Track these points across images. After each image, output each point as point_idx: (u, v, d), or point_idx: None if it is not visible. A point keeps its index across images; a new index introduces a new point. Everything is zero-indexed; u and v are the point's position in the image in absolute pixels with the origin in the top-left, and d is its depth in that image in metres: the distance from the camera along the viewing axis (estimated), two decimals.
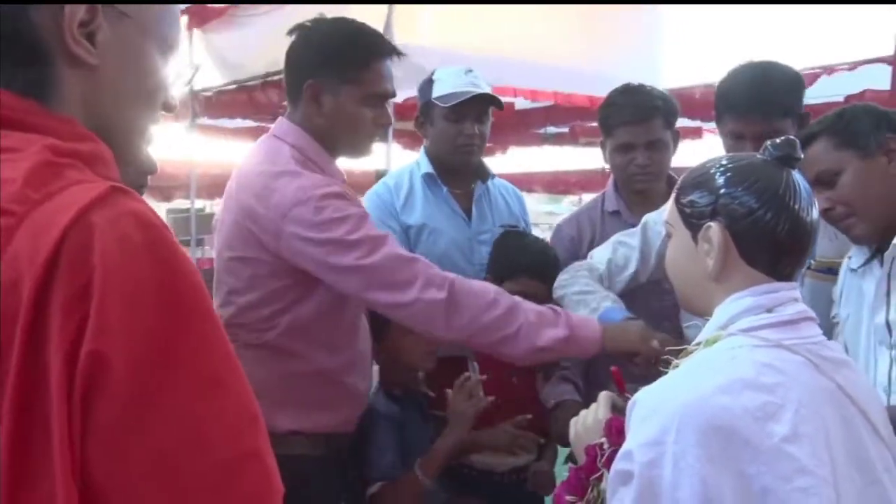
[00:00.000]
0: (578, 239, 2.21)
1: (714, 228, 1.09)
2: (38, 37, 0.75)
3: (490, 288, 1.69)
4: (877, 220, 1.53)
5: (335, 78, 1.74)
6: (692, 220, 1.13)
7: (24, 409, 0.63)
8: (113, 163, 0.79)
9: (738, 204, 1.08)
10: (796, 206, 1.07)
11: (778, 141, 1.10)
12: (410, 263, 1.64)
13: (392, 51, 1.80)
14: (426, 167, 2.29)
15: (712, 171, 1.13)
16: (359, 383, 1.86)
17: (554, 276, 2.04)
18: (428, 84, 2.27)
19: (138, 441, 0.64)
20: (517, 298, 1.69)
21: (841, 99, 4.66)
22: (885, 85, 4.10)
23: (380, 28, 3.89)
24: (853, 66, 4.50)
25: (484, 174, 2.35)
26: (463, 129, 2.21)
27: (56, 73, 0.76)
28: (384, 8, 4.01)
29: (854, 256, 1.66)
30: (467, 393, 1.93)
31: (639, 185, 2.13)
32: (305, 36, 1.79)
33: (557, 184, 9.13)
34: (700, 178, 1.14)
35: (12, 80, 0.74)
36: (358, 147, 1.83)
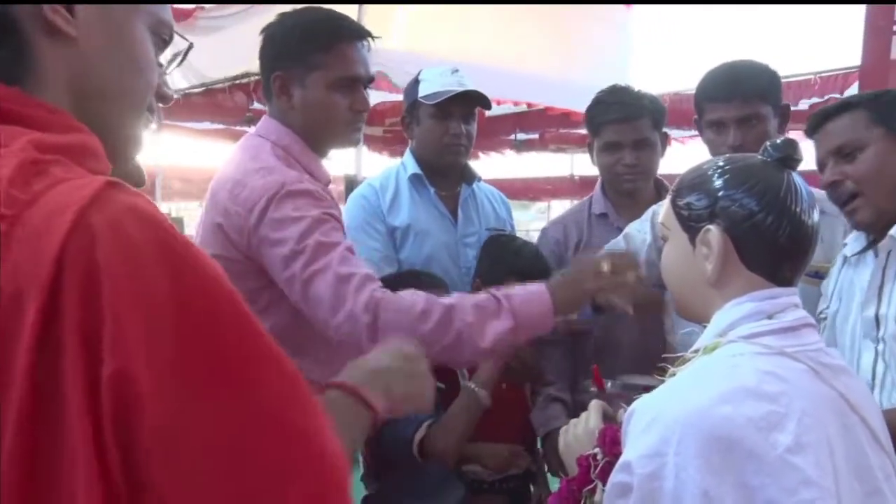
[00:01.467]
0: (564, 242, 2.20)
1: (713, 232, 1.06)
2: (11, 11, 0.69)
3: (419, 299, 1.54)
4: (884, 203, 1.52)
5: (300, 67, 1.68)
6: (690, 223, 1.10)
7: (30, 436, 0.57)
8: (104, 156, 0.72)
9: (737, 206, 1.05)
10: (797, 209, 1.05)
11: (778, 142, 1.08)
12: (345, 281, 1.52)
13: (359, 33, 1.73)
14: (413, 168, 2.25)
15: (710, 172, 1.10)
16: None
17: (544, 278, 2.02)
18: (414, 84, 2.25)
19: (187, 451, 0.59)
20: (453, 300, 1.55)
21: (805, 107, 4.75)
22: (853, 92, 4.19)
23: None
24: (822, 79, 4.58)
25: (470, 177, 2.33)
26: (449, 128, 2.18)
27: (33, 49, 0.70)
28: (354, 13, 3.97)
29: (850, 244, 1.65)
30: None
31: (626, 184, 2.12)
32: (270, 31, 1.74)
33: (527, 191, 9.13)
34: (697, 180, 1.11)
35: None
36: (338, 136, 1.75)
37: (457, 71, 2.22)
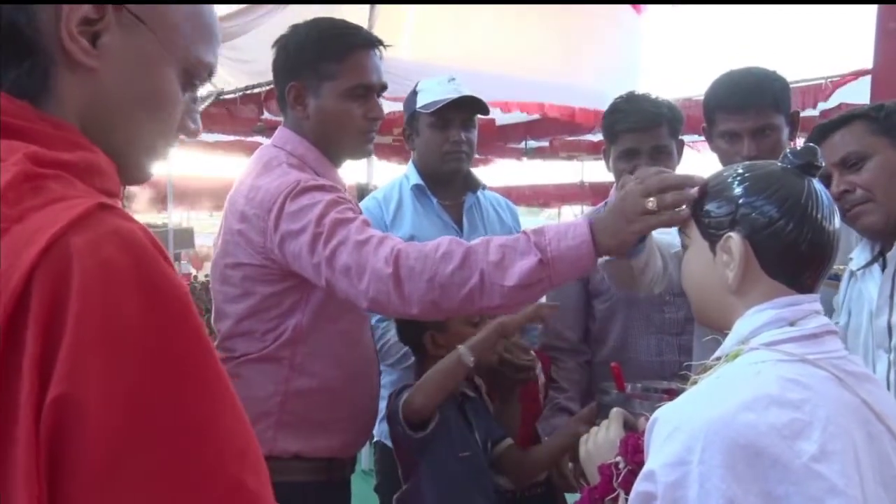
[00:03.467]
0: None
1: (734, 239, 1.06)
2: (34, 30, 0.69)
3: (442, 242, 1.47)
4: (893, 211, 1.52)
5: (314, 77, 1.71)
6: (710, 231, 1.10)
7: None
8: (113, 175, 0.72)
9: (758, 213, 1.05)
10: (819, 216, 1.04)
11: (798, 149, 1.07)
12: (364, 244, 1.49)
13: (371, 42, 1.75)
14: (415, 179, 2.26)
15: (730, 179, 1.09)
16: (364, 399, 1.80)
17: None
18: (412, 96, 2.25)
19: (125, 490, 0.56)
20: (479, 241, 1.47)
21: (816, 113, 4.72)
22: (864, 99, 4.16)
23: None
24: (834, 83, 4.56)
25: (474, 185, 2.32)
26: (449, 136, 2.18)
27: (50, 72, 0.70)
28: (364, 22, 3.99)
29: (856, 258, 1.64)
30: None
31: None
32: (283, 42, 1.77)
33: (536, 197, 9.13)
34: (717, 187, 1.10)
35: (3, 76, 0.68)
36: (352, 145, 1.77)
37: (453, 79, 2.22)
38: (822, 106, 4.71)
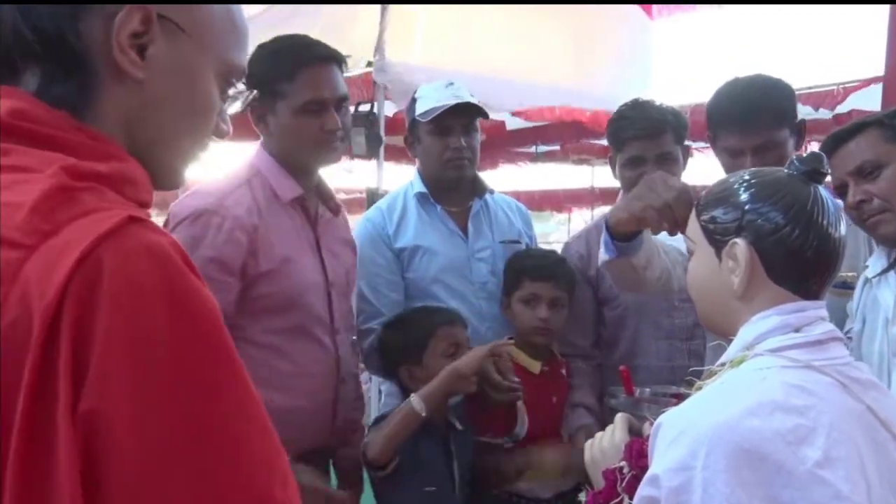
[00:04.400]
0: (587, 256, 2.19)
1: (740, 245, 1.06)
2: (83, 44, 0.70)
3: None
4: None
5: (270, 96, 1.77)
6: (716, 237, 1.10)
7: (30, 462, 0.57)
8: (145, 184, 0.73)
9: (764, 220, 1.05)
10: (824, 223, 1.05)
11: (805, 155, 1.08)
12: None
13: (324, 57, 1.80)
14: (419, 187, 2.25)
15: (736, 186, 1.10)
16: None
17: (562, 276, 2.05)
18: (412, 103, 2.24)
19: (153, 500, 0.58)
20: None
21: (829, 117, 4.70)
22: (875, 106, 4.14)
23: (370, 48, 3.93)
24: (845, 90, 4.53)
25: (481, 190, 2.30)
26: (449, 143, 2.16)
27: (98, 86, 0.71)
28: (376, 27, 4.00)
29: (872, 265, 1.64)
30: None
31: None
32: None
33: (547, 202, 9.11)
34: (723, 194, 1.11)
35: (49, 88, 0.69)
36: (313, 156, 1.84)
37: (451, 84, 2.20)
38: (836, 109, 4.69)
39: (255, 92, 0.88)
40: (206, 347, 0.62)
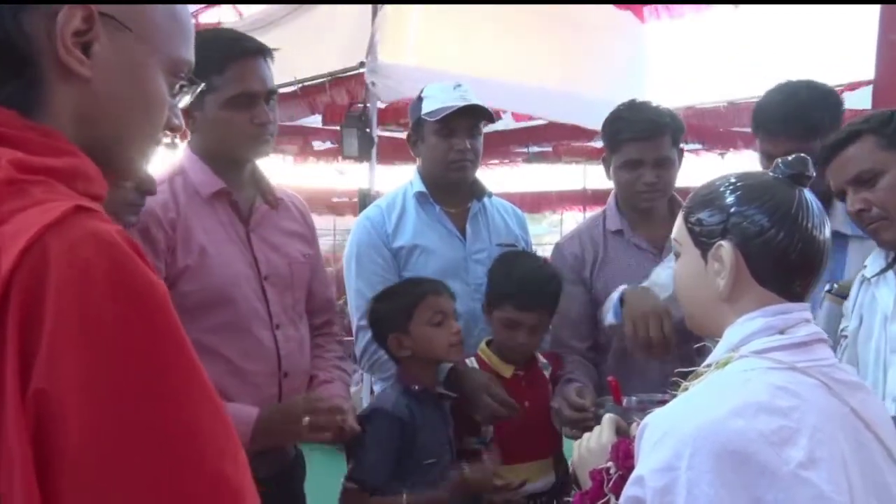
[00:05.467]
0: (582, 258, 2.17)
1: (725, 247, 1.07)
2: (28, 44, 0.71)
3: None
4: None
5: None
6: (702, 239, 1.11)
7: None
8: (98, 179, 0.74)
9: (749, 223, 1.06)
10: (809, 225, 1.06)
11: (790, 159, 1.09)
12: None
13: (251, 51, 1.79)
14: (418, 186, 2.25)
15: (722, 188, 1.11)
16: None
17: (546, 302, 2.02)
18: (418, 102, 2.24)
19: (101, 489, 0.59)
20: None
21: None
22: (866, 105, 4.17)
23: (363, 48, 3.93)
24: (840, 90, 4.58)
25: (480, 192, 2.31)
26: (454, 144, 2.16)
27: (45, 85, 0.72)
28: (368, 27, 4.01)
29: (870, 265, 1.65)
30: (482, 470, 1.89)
31: (644, 203, 2.09)
32: None
33: (539, 203, 9.14)
34: (709, 196, 1.12)
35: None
36: (241, 151, 1.83)
37: (459, 85, 2.21)
38: None
39: (203, 84, 0.89)
40: (154, 329, 0.63)
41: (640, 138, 2.03)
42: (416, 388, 1.91)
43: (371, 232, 2.21)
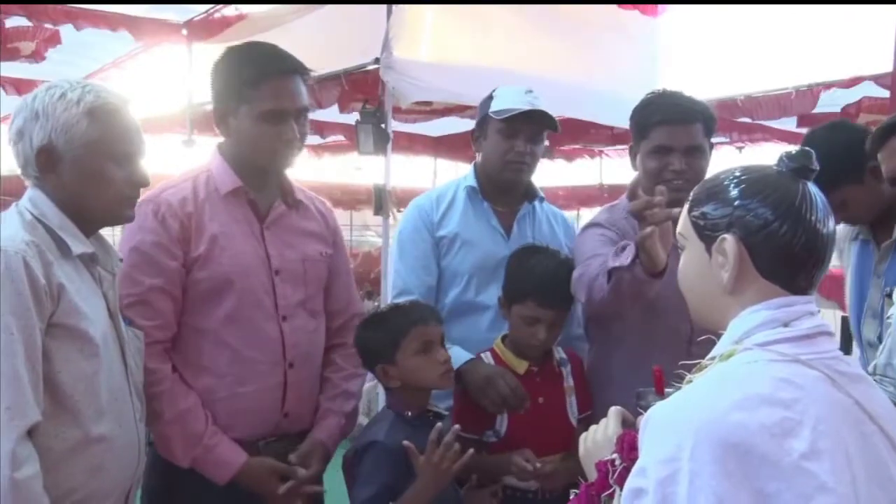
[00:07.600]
0: (613, 235, 2.07)
1: (729, 241, 1.08)
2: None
3: None
4: None
5: (234, 101, 1.84)
6: (706, 233, 1.11)
7: None
8: None
9: (753, 216, 1.06)
10: (812, 219, 1.06)
11: (793, 152, 1.09)
12: None
13: (288, 69, 1.86)
14: (471, 181, 2.32)
15: (726, 182, 1.11)
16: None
17: (567, 299, 2.02)
18: (487, 100, 2.29)
19: None
20: None
21: (838, 110, 4.69)
22: (883, 93, 4.13)
23: (378, 44, 3.95)
24: (850, 83, 4.53)
25: (532, 195, 2.35)
26: (515, 146, 2.21)
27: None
28: (383, 24, 4.02)
29: None
30: (442, 450, 1.80)
31: (671, 192, 1.86)
32: (214, 67, 1.91)
33: (554, 199, 9.10)
34: (714, 190, 1.12)
35: None
36: (266, 164, 1.91)
37: (530, 91, 2.23)
38: (844, 101, 4.69)
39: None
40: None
41: (672, 121, 1.96)
42: (409, 414, 1.89)
43: (417, 218, 2.30)
